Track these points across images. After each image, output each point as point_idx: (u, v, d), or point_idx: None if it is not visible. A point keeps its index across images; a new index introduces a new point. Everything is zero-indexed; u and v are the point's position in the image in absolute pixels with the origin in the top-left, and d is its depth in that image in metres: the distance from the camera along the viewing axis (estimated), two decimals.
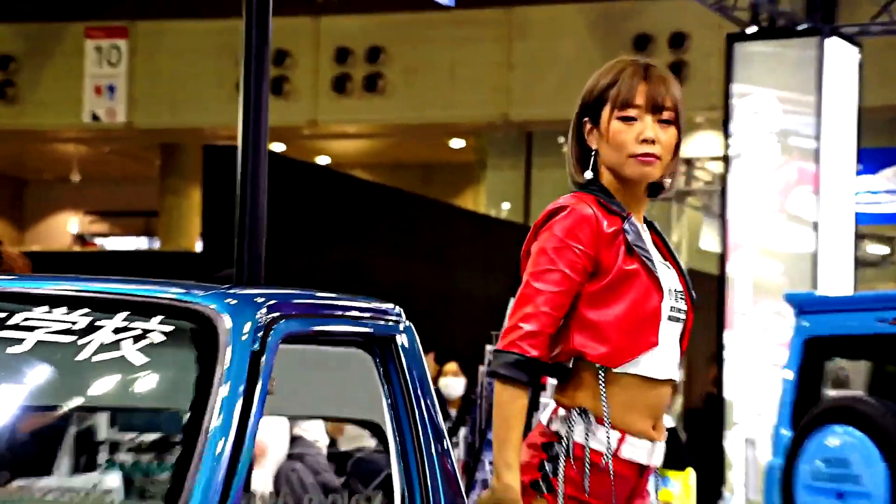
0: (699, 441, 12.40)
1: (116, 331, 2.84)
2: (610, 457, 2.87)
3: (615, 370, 2.89)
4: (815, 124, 11.94)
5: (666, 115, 2.96)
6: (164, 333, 2.83)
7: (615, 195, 2.97)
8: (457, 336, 14.22)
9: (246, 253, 4.20)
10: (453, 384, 10.92)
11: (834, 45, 12.13)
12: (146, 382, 2.83)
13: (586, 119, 3.00)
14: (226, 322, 2.80)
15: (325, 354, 3.23)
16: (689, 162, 16.66)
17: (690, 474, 9.95)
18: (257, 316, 2.84)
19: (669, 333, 2.95)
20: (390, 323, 3.26)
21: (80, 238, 28.08)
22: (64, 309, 2.92)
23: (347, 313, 3.20)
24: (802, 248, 11.94)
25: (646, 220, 3.06)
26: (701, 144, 19.81)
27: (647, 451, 2.93)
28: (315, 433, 5.75)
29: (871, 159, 16.39)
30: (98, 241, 28.11)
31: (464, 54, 19.82)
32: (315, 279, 12.90)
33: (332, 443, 6.74)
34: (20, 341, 2.83)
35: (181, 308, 2.87)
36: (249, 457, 2.65)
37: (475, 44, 19.86)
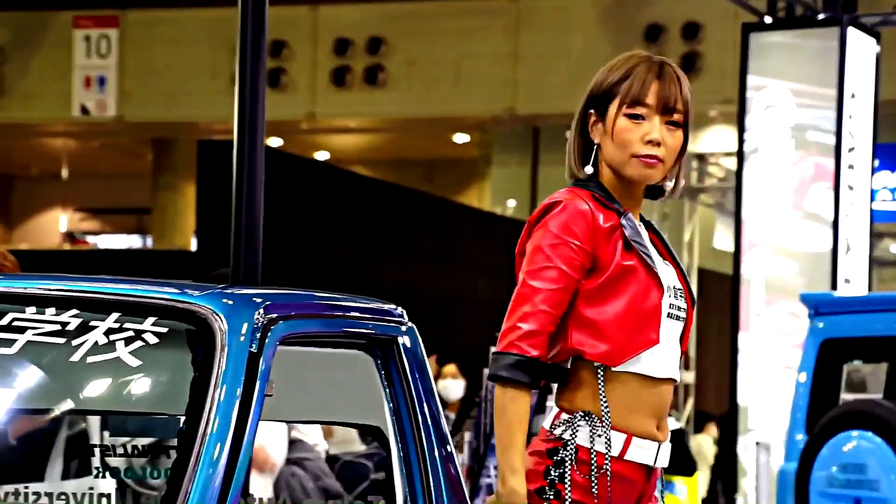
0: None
1: (109, 332, 2.85)
2: (609, 459, 2.89)
3: (615, 369, 2.90)
4: (833, 118, 11.94)
5: (676, 117, 2.96)
6: (158, 335, 2.84)
7: (612, 192, 2.97)
8: (460, 337, 14.24)
9: (242, 251, 4.21)
10: (452, 386, 10.93)
11: (853, 36, 12.13)
12: (140, 385, 2.83)
13: (592, 111, 3.00)
14: (222, 323, 2.81)
15: (325, 356, 3.24)
16: (702, 157, 16.67)
17: (698, 480, 9.98)
18: (254, 317, 2.85)
19: (670, 331, 2.96)
20: (392, 324, 3.27)
21: (70, 236, 28.09)
22: (54, 309, 2.93)
23: (348, 314, 3.21)
24: (819, 246, 11.94)
25: (643, 219, 3.07)
26: (715, 139, 19.81)
27: (653, 452, 2.95)
28: (314, 437, 5.77)
29: (888, 155, 16.40)
30: (89, 239, 28.12)
31: (468, 45, 19.83)
32: (314, 279, 12.91)
33: None
34: (10, 342, 2.84)
35: (176, 308, 2.88)
36: (247, 462, 2.66)
37: (480, 34, 19.86)
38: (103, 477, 3.01)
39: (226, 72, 19.13)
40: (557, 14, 19.62)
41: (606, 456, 2.89)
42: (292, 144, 21.76)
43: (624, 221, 2.93)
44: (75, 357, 2.82)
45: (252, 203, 4.24)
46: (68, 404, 2.97)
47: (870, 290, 12.23)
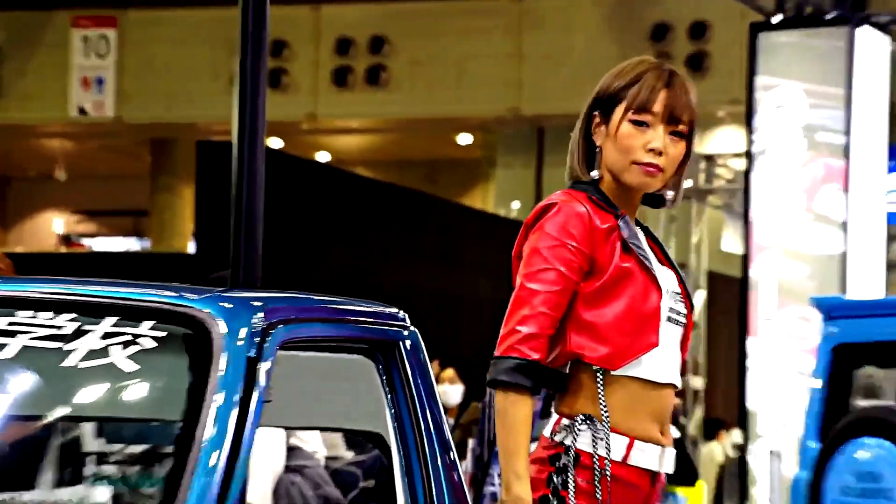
0: None
1: (105, 336, 2.84)
2: (609, 463, 2.88)
3: (615, 373, 2.91)
4: (843, 118, 11.94)
5: (680, 128, 2.99)
6: (156, 339, 2.84)
7: (610, 196, 2.99)
8: (463, 341, 14.23)
9: (242, 254, 4.20)
10: (450, 391, 10.93)
11: (864, 34, 12.12)
12: (136, 391, 2.83)
13: (597, 113, 3.02)
14: (220, 327, 2.80)
15: (326, 361, 3.23)
16: (710, 158, 16.67)
17: (702, 489, 9.96)
18: (254, 321, 2.84)
19: (669, 336, 2.97)
20: (394, 328, 3.27)
21: (67, 239, 28.12)
22: (49, 313, 2.92)
23: (349, 318, 3.21)
24: (830, 249, 11.94)
25: (640, 225, 3.08)
26: (723, 140, 19.80)
27: (657, 457, 2.95)
28: (314, 444, 5.75)
29: None
30: (85, 241, 28.15)
31: (472, 45, 19.84)
32: (315, 282, 12.90)
33: None
34: (3, 347, 2.83)
35: (173, 312, 2.88)
36: (245, 470, 2.65)
37: (484, 34, 19.87)
38: (97, 485, 3.00)
39: (226, 72, 19.14)
40: (561, 13, 19.63)
41: (607, 460, 2.88)
42: (293, 145, 21.78)
43: (621, 223, 2.95)
44: (70, 362, 2.81)
45: (252, 205, 4.23)
46: (62, 410, 2.97)
47: (884, 293, 12.22)
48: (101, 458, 3.08)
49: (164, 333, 2.85)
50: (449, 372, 11.37)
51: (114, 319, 2.88)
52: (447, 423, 3.28)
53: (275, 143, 21.78)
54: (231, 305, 2.88)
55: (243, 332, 2.81)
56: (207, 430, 2.65)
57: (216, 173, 11.08)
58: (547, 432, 2.95)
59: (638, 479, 2.93)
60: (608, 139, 2.99)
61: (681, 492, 9.80)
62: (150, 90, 20.96)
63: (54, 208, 28.09)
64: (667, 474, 3.01)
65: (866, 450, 6.39)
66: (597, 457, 2.88)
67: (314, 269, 13.81)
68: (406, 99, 20.30)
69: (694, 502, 9.75)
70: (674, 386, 2.99)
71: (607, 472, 2.88)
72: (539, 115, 20.10)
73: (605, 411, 2.90)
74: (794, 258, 12.10)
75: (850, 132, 11.90)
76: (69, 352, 2.82)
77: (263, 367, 2.79)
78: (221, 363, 2.75)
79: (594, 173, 3.01)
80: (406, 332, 3.28)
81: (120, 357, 2.80)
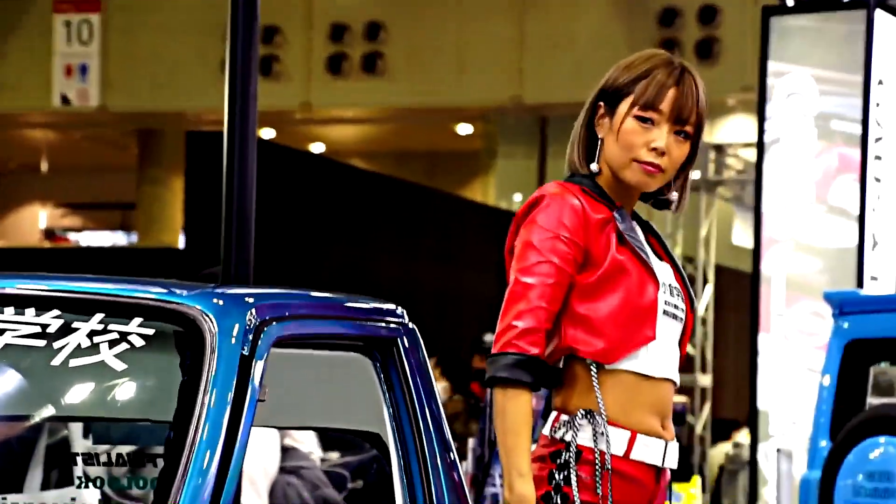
0: None
1: (92, 334, 2.85)
2: (612, 457, 2.90)
3: (610, 367, 2.93)
4: (859, 107, 11.93)
5: (686, 129, 3.00)
6: (145, 337, 2.85)
7: (607, 189, 3.01)
8: (463, 338, 14.23)
9: (233, 249, 4.22)
10: None
11: (881, 19, 12.12)
12: (125, 390, 2.84)
13: (602, 104, 3.03)
14: (212, 324, 2.81)
15: (321, 359, 3.24)
16: (719, 148, 16.66)
17: (696, 484, 10.00)
18: (246, 318, 2.85)
19: (666, 330, 2.99)
20: (392, 325, 3.28)
21: (50, 233, 28.11)
22: (34, 311, 2.93)
23: (345, 314, 3.22)
24: (844, 242, 11.94)
25: (640, 220, 3.10)
26: (733, 129, 19.80)
27: (661, 452, 2.96)
28: (309, 445, 5.77)
29: None
30: (70, 236, 28.14)
31: (472, 31, 19.82)
32: (309, 278, 12.92)
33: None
34: None
35: (163, 309, 2.88)
36: (239, 472, 2.66)
37: (484, 19, 19.85)
38: (85, 487, 3.02)
39: (216, 59, 19.12)
40: None
41: (608, 453, 2.91)
42: (286, 136, 21.77)
43: (616, 215, 2.97)
44: (57, 361, 2.82)
45: (243, 198, 4.24)
46: (49, 410, 2.98)
47: None
48: (90, 459, 3.09)
49: (153, 331, 2.86)
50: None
51: (101, 317, 2.89)
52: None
53: (267, 133, 21.77)
54: (223, 302, 2.89)
55: (236, 330, 2.81)
56: (199, 431, 2.66)
57: (206, 165, 11.10)
58: (546, 430, 2.97)
59: (642, 474, 2.95)
60: (610, 133, 3.00)
61: (676, 487, 9.84)
62: (137, 78, 20.94)
63: (37, 202, 28.08)
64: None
65: (879, 449, 6.41)
66: (598, 452, 2.90)
67: (308, 265, 13.82)
68: (403, 87, 20.28)
69: (689, 498, 9.80)
70: (672, 382, 3.01)
71: (608, 467, 2.89)
72: (542, 103, 20.08)
73: (602, 407, 2.91)
74: (806, 252, 12.10)
75: (867, 121, 11.90)
76: (55, 350, 2.83)
77: (257, 365, 2.80)
78: (213, 362, 2.76)
79: (593, 166, 3.02)
80: (404, 329, 3.29)
81: (108, 355, 2.81)
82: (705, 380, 16.22)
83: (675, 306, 3.01)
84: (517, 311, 2.90)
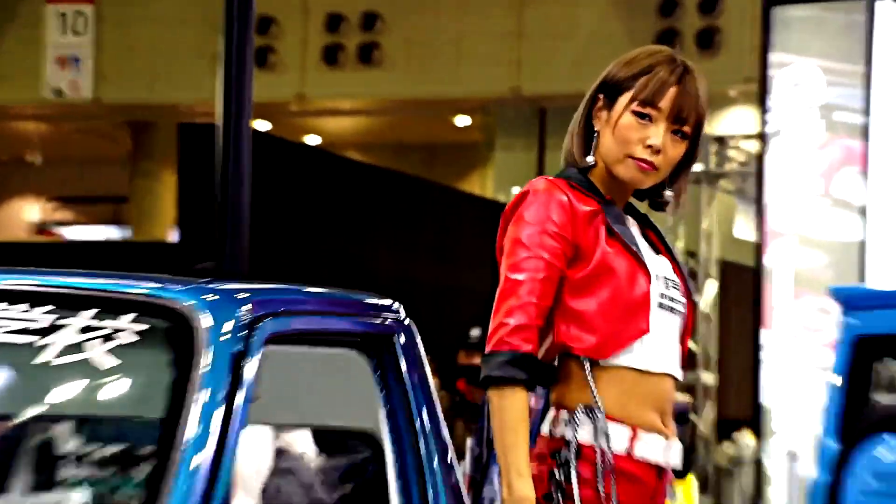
0: None
1: (82, 330, 2.85)
2: (612, 453, 2.89)
3: (604, 362, 2.93)
4: (863, 97, 11.93)
5: (684, 128, 3.01)
6: (136, 333, 2.84)
7: (600, 183, 3.02)
8: (461, 335, 14.22)
9: (227, 243, 4.21)
10: None
11: (884, 8, 12.11)
12: (115, 388, 2.83)
13: (601, 96, 3.04)
14: (204, 320, 2.81)
15: (316, 356, 3.23)
16: (721, 140, 16.67)
17: (692, 483, 10.03)
18: (240, 314, 2.85)
19: (663, 323, 2.98)
20: (388, 321, 3.27)
21: (41, 227, 28.12)
22: (23, 306, 2.92)
23: (340, 310, 3.21)
24: (849, 236, 11.94)
25: (638, 213, 3.10)
26: (735, 121, 19.81)
27: (663, 449, 2.96)
28: (303, 445, 5.76)
29: None
30: (61, 230, 28.15)
31: (470, 21, 19.83)
32: (304, 272, 12.92)
33: None
34: None
35: (155, 305, 2.88)
36: (230, 472, 2.65)
37: (483, 10, 19.86)
38: (73, 489, 3.00)
39: (210, 50, 19.09)
40: None
41: (608, 450, 2.90)
42: (281, 128, 21.78)
43: (605, 207, 2.97)
44: (45, 358, 2.82)
45: (237, 191, 4.23)
46: (36, 409, 2.97)
47: None
48: (78, 459, 3.08)
49: (144, 327, 2.85)
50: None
51: (92, 312, 2.88)
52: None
53: (261, 125, 21.77)
54: (216, 298, 2.89)
55: (229, 326, 2.81)
56: (190, 430, 2.65)
57: (200, 158, 11.07)
58: (545, 429, 2.96)
59: (643, 472, 2.94)
60: (607, 126, 3.01)
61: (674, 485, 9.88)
62: (130, 70, 20.95)
63: (28, 195, 28.09)
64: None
65: (888, 449, 6.40)
66: (599, 448, 2.89)
67: (303, 259, 13.82)
68: (400, 79, 20.29)
69: (684, 494, 9.85)
70: (672, 377, 3.00)
71: (609, 459, 2.89)
72: (541, 95, 20.09)
73: (598, 403, 2.91)
74: (810, 245, 12.10)
75: (870, 112, 11.90)
76: (44, 347, 2.83)
77: (250, 362, 2.80)
78: (205, 358, 2.75)
79: (589, 159, 3.03)
80: (401, 326, 3.28)
81: (98, 352, 2.80)
82: (709, 378, 16.22)
83: (672, 299, 3.01)
84: (508, 307, 2.90)
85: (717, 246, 16.85)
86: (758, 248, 12.45)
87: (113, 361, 2.80)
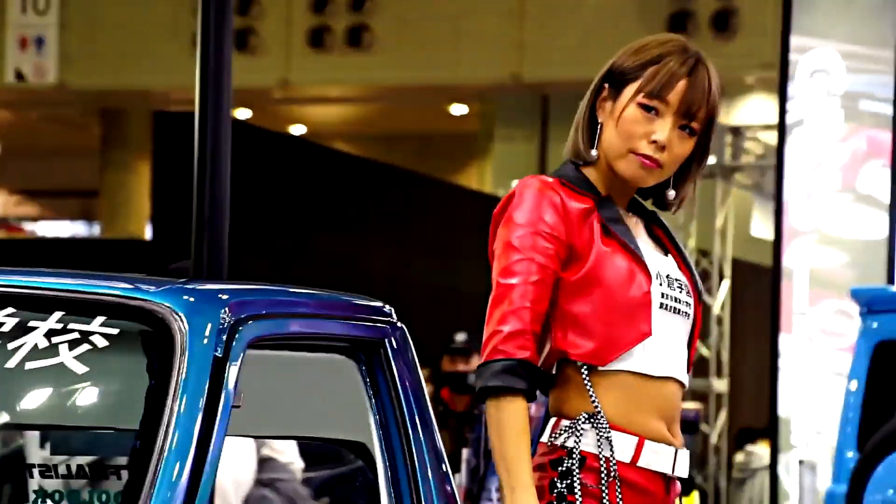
0: None
1: (50, 334, 2.85)
2: (616, 463, 2.91)
3: (604, 368, 2.94)
4: (890, 85, 11.94)
5: (693, 124, 3.01)
6: (108, 337, 2.85)
7: (600, 178, 3.02)
8: (447, 340, 14.24)
9: (205, 240, 4.22)
10: None
11: None
12: (87, 395, 2.84)
13: (606, 85, 3.04)
14: (182, 323, 2.82)
15: (302, 362, 3.25)
16: (737, 131, 16.67)
17: (695, 499, 10.05)
18: (220, 316, 2.86)
19: (667, 326, 2.99)
20: (379, 324, 3.28)
21: (4, 222, 28.10)
22: None
23: (327, 313, 3.22)
24: (873, 234, 11.96)
25: (645, 210, 3.11)
26: (752, 110, 19.81)
27: (671, 459, 2.97)
28: (289, 455, 5.78)
29: None
30: (26, 226, 28.13)
31: (467, 1, 19.82)
32: (289, 272, 12.93)
33: None
34: None
35: (128, 307, 2.89)
36: (210, 484, 2.67)
37: None
38: (42, 502, 3.02)
39: (186, 32, 19.10)
40: None
41: (613, 459, 2.92)
42: (263, 116, 21.76)
43: (599, 204, 2.98)
44: (11, 363, 2.83)
45: (216, 184, 4.24)
46: (3, 417, 2.98)
47: None
48: (47, 471, 3.10)
49: (117, 331, 2.86)
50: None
51: (60, 315, 2.89)
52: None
53: (242, 113, 21.76)
54: (194, 299, 2.90)
55: (208, 329, 2.82)
56: (168, 440, 2.66)
57: (176, 148, 11.10)
58: (546, 438, 2.98)
59: (650, 483, 2.96)
60: (611, 118, 3.01)
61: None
62: (99, 52, 20.90)
63: None
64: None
65: None
66: (603, 458, 2.91)
67: (288, 258, 13.83)
68: (392, 63, 20.26)
69: None
70: (678, 382, 3.01)
71: (615, 474, 2.90)
72: (543, 81, 20.07)
73: (599, 410, 2.92)
74: (831, 244, 12.12)
75: None
76: (9, 352, 2.83)
77: (231, 368, 2.81)
78: (184, 364, 2.76)
79: (593, 152, 3.03)
80: (393, 329, 3.30)
81: (68, 357, 2.81)
82: (721, 384, 16.22)
83: (677, 300, 3.01)
84: (501, 314, 2.91)
85: (732, 244, 16.86)
86: (775, 247, 12.46)
87: (83, 367, 2.80)
